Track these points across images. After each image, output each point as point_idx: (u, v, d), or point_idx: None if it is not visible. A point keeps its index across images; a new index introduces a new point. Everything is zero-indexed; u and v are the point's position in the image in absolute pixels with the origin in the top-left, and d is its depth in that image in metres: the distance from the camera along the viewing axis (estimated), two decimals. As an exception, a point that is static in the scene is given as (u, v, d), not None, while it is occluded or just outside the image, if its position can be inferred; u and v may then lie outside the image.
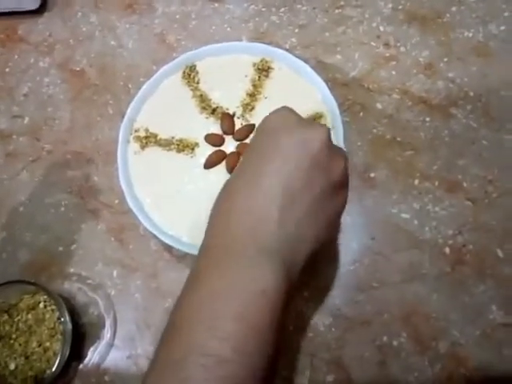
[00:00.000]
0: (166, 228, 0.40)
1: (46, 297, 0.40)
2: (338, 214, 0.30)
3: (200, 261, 0.28)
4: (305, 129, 0.28)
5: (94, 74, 0.51)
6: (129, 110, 0.43)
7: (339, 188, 0.29)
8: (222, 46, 0.45)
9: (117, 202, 0.45)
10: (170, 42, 0.52)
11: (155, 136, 0.43)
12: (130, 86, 0.50)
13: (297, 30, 0.51)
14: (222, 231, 0.27)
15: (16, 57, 0.53)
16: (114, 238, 0.44)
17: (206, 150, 0.42)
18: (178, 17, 0.53)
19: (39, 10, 0.54)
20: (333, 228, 0.30)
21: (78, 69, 0.52)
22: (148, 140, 0.43)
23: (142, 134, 0.43)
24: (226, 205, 0.28)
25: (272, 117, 0.30)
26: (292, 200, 0.27)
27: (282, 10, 0.52)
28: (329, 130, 0.29)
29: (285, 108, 0.30)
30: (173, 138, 0.43)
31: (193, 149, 0.42)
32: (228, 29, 0.52)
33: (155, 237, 0.39)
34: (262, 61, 0.44)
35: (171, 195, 0.41)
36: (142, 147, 0.43)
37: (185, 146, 0.42)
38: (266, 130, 0.29)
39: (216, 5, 0.53)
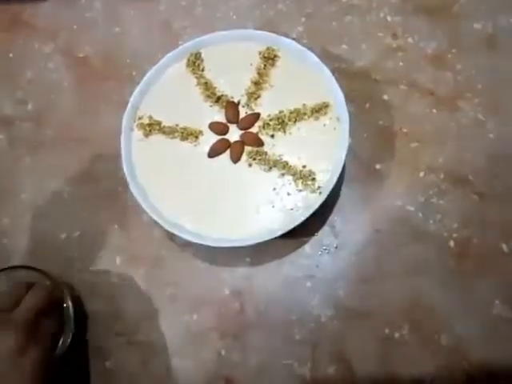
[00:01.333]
0: (170, 216, 0.39)
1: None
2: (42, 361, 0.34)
3: None
4: None
5: (98, 60, 0.51)
6: (132, 98, 0.43)
7: (19, 355, 0.32)
8: (227, 33, 0.44)
9: (120, 189, 0.45)
10: (175, 29, 0.51)
11: (159, 123, 0.43)
12: (134, 73, 0.49)
13: (303, 19, 0.50)
14: None
15: (20, 42, 0.53)
16: (117, 225, 0.44)
17: (210, 139, 0.42)
18: (183, 3, 0.52)
19: (43, -5, 0.54)
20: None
21: (82, 55, 0.51)
22: (152, 127, 0.42)
23: (146, 121, 0.43)
24: None
25: None
26: None
27: (289, -2, 0.51)
28: None
29: None
30: (177, 125, 0.42)
31: (197, 137, 0.42)
32: (234, 16, 0.51)
33: (158, 225, 0.39)
34: (267, 49, 0.44)
35: (175, 183, 0.41)
36: (146, 135, 0.42)
37: (189, 134, 0.42)
38: None
39: (222, -8, 0.52)
